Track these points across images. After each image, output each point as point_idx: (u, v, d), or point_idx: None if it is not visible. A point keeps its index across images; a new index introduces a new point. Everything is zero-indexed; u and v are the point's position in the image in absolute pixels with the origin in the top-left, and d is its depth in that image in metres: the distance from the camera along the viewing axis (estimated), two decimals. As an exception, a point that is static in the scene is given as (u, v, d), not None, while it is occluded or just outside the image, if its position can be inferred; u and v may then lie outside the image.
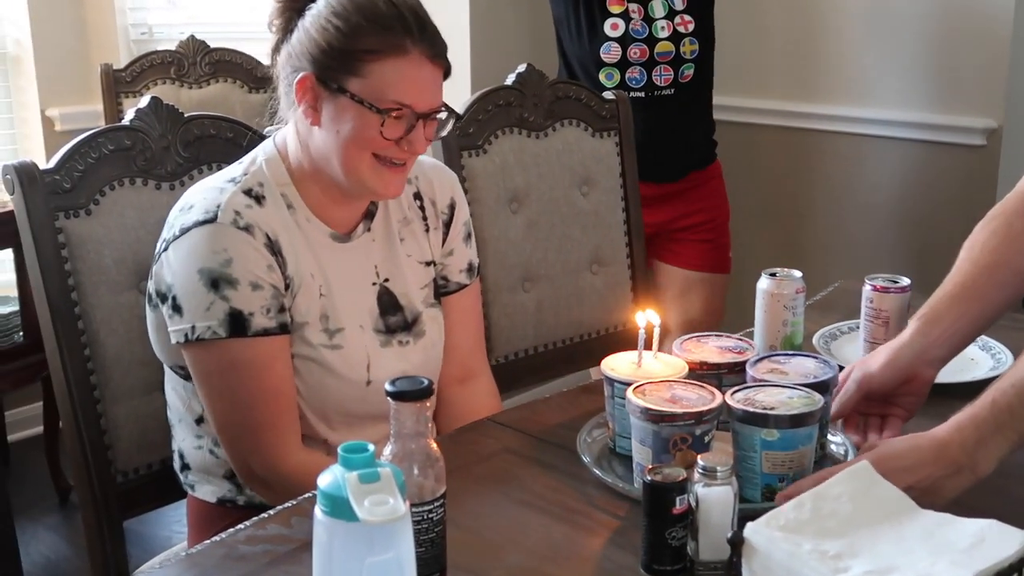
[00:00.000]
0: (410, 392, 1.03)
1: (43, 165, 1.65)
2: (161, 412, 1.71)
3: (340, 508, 0.87)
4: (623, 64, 2.64)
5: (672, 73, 2.65)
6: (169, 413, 1.67)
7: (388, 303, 1.64)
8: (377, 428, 1.53)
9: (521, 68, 2.23)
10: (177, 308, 1.49)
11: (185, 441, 1.64)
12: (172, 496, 1.76)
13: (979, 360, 1.76)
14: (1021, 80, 2.91)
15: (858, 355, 1.61)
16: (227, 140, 1.82)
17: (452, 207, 1.73)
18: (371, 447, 0.91)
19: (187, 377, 1.57)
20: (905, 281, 1.58)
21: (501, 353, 2.20)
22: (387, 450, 1.05)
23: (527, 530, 1.25)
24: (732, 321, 1.98)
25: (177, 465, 1.67)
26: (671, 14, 2.65)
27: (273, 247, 1.52)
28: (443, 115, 1.54)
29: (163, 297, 1.52)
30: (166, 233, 1.53)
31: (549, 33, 2.83)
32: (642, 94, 2.66)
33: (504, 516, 1.29)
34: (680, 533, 1.13)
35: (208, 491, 1.63)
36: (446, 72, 1.53)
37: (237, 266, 1.48)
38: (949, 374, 1.70)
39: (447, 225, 1.72)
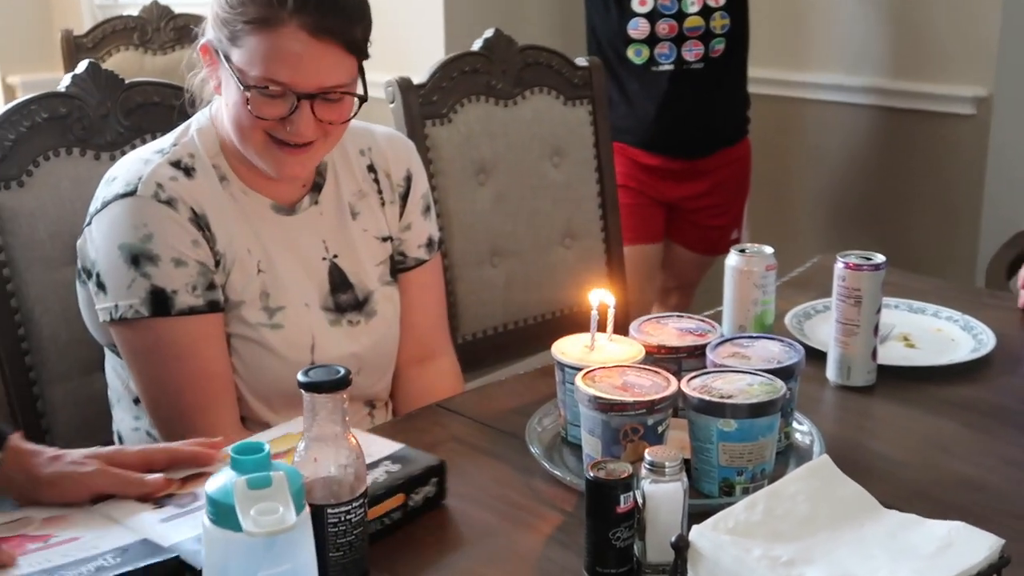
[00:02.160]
0: (324, 383, 0.95)
1: (-28, 135, 1.57)
2: (101, 394, 1.63)
3: (226, 517, 0.78)
4: (652, 40, 2.59)
5: (702, 47, 2.61)
6: (109, 394, 1.60)
7: (339, 280, 1.55)
8: None
9: (488, 33, 2.14)
10: (101, 285, 1.43)
11: (123, 422, 1.57)
12: (115, 481, 1.68)
13: (960, 341, 1.68)
14: (1012, 48, 2.82)
15: (831, 335, 1.53)
16: (172, 108, 1.72)
17: (408, 179, 1.63)
18: (267, 447, 0.82)
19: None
20: (879, 258, 1.49)
21: (468, 331, 2.12)
22: (300, 446, 0.97)
23: (466, 527, 1.17)
24: (705, 298, 1.89)
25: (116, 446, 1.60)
26: None
27: (199, 222, 1.44)
28: (342, 97, 1.41)
29: (88, 273, 1.46)
30: (91, 206, 1.46)
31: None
32: (671, 67, 2.61)
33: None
34: (625, 533, 1.05)
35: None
36: (352, 49, 1.39)
37: (158, 241, 1.40)
38: (929, 356, 1.63)
39: (403, 198, 1.63)
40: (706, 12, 2.59)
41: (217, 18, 1.41)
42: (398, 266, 1.63)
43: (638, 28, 2.59)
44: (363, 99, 1.44)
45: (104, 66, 2.83)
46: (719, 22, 2.60)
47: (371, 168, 1.61)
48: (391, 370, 1.64)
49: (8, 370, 1.57)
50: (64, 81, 1.66)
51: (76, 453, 1.20)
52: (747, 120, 2.80)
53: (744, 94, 2.78)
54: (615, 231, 2.31)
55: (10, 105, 1.60)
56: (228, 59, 1.40)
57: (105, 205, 1.43)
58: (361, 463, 0.98)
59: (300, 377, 0.95)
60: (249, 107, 1.38)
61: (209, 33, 1.44)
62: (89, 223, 1.45)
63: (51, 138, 1.61)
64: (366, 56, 1.44)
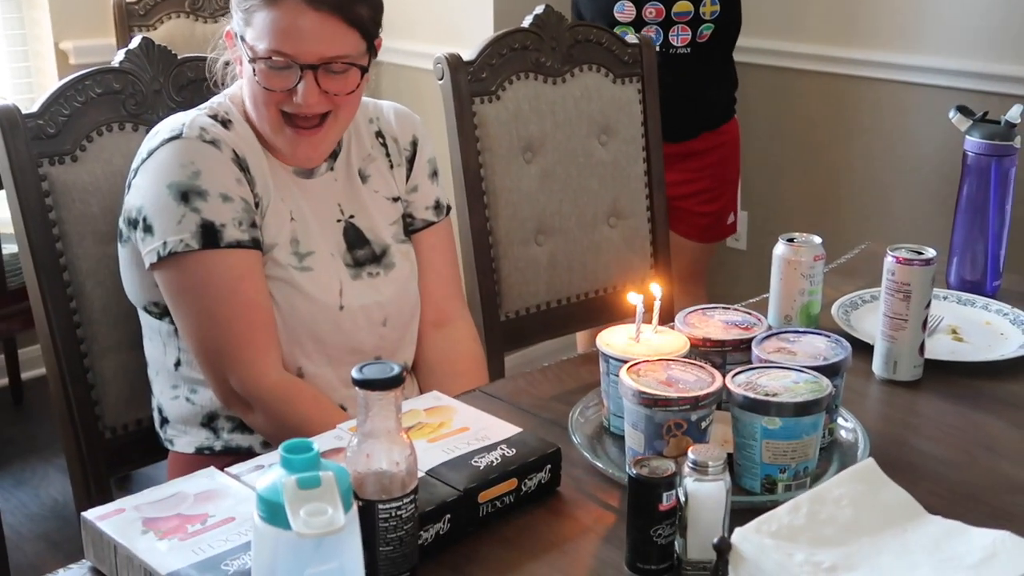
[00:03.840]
0: (377, 380, 0.95)
1: (26, 109, 1.58)
2: (150, 367, 1.66)
3: (276, 515, 0.79)
4: (638, 24, 2.55)
5: (690, 33, 2.57)
6: (149, 369, 1.63)
7: (355, 237, 1.62)
8: (354, 360, 1.48)
9: (539, 9, 2.12)
10: (148, 228, 1.48)
11: (163, 394, 1.61)
12: (162, 452, 1.71)
13: (1010, 335, 1.66)
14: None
15: (878, 328, 1.51)
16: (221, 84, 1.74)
17: (414, 144, 1.70)
18: (315, 446, 0.83)
19: (162, 315, 1.55)
20: (930, 252, 1.47)
21: (511, 308, 2.13)
22: (353, 441, 0.97)
23: (507, 520, 1.17)
24: (752, 286, 1.87)
25: (157, 421, 1.64)
26: None
27: (240, 163, 1.51)
28: (346, 68, 1.49)
29: (134, 223, 1.50)
30: (135, 163, 1.53)
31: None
32: (656, 51, 2.56)
33: (486, 501, 1.21)
34: (667, 531, 1.05)
35: (186, 442, 1.60)
36: (354, 23, 1.47)
37: (206, 177, 1.47)
38: (977, 351, 1.61)
39: (410, 161, 1.69)
40: None
41: (235, 3, 1.51)
42: (408, 227, 1.69)
43: (623, 12, 2.55)
44: (364, 70, 1.51)
45: (154, 34, 2.84)
46: (709, 8, 2.56)
47: (379, 134, 1.68)
48: (415, 329, 1.68)
49: (60, 342, 1.59)
50: (118, 57, 1.67)
51: None
52: (733, 101, 2.76)
53: (731, 76, 2.74)
54: (661, 211, 2.30)
55: (65, 80, 1.61)
56: (243, 39, 1.49)
57: (151, 153, 1.49)
58: (413, 460, 0.99)
59: (354, 374, 0.96)
60: (257, 78, 1.47)
61: (231, 21, 1.54)
62: (135, 176, 1.51)
63: (104, 113, 1.63)
64: (374, 35, 1.52)
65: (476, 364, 1.72)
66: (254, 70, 1.47)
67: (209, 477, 1.14)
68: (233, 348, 1.48)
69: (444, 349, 1.69)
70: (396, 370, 0.96)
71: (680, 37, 2.56)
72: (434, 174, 1.72)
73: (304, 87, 1.46)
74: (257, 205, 1.52)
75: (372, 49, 1.53)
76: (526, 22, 2.12)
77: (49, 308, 1.59)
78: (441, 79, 2.02)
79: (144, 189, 1.48)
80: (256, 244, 1.50)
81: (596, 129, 2.20)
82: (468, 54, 2.04)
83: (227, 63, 1.62)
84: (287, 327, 1.53)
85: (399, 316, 1.64)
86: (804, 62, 3.13)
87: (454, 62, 2.01)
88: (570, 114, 2.16)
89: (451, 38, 3.01)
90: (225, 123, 1.53)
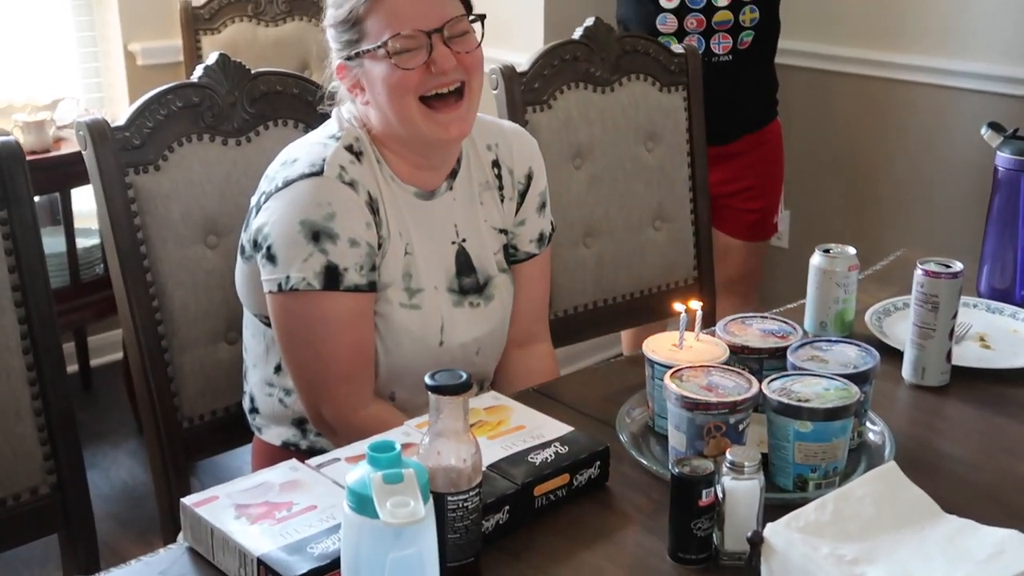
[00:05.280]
0: (450, 386, 1.06)
1: (114, 122, 1.70)
2: (225, 362, 1.78)
3: (365, 506, 0.92)
4: (680, 34, 2.62)
5: (731, 40, 2.63)
6: (245, 355, 1.72)
7: (464, 263, 1.67)
8: None
9: (589, 21, 2.22)
10: (271, 257, 1.53)
11: (257, 387, 1.70)
12: (235, 441, 1.83)
13: (1036, 342, 1.74)
14: None
15: (908, 336, 1.60)
16: (293, 96, 1.85)
17: (529, 177, 1.74)
18: (398, 446, 0.95)
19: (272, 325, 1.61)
20: (958, 266, 1.56)
21: (560, 307, 2.23)
22: (425, 440, 1.09)
23: (560, 511, 1.28)
24: (790, 290, 1.96)
25: (247, 406, 1.74)
26: None
27: (372, 205, 1.56)
28: (463, 22, 1.54)
29: (257, 246, 1.56)
30: (266, 186, 1.57)
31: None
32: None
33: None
34: (706, 524, 1.16)
35: (274, 434, 1.70)
36: None
37: (339, 221, 1.51)
38: (1004, 357, 1.68)
39: (522, 195, 1.74)
40: (736, 6, 2.59)
41: (335, 34, 1.57)
42: (510, 258, 1.75)
43: (666, 23, 2.61)
44: (481, 17, 1.58)
45: (218, 37, 2.96)
46: (748, 16, 2.61)
47: (495, 163, 1.71)
48: (501, 353, 1.76)
49: (143, 337, 1.70)
50: (196, 72, 1.79)
51: None
52: (775, 103, 2.82)
53: (771, 79, 2.80)
54: (704, 214, 2.39)
55: (148, 95, 1.73)
56: (361, 55, 1.53)
57: (288, 184, 1.53)
58: (478, 457, 1.10)
59: (427, 380, 1.07)
60: (394, 61, 1.50)
61: (336, 53, 1.58)
62: (266, 201, 1.55)
63: (184, 125, 1.73)
64: (469, 3, 1.59)
65: None
66: (388, 58, 1.50)
67: (292, 468, 1.26)
68: (331, 383, 1.56)
69: (524, 367, 1.76)
70: (464, 377, 1.08)
71: (722, 45, 2.63)
72: (543, 206, 1.76)
73: (438, 52, 1.50)
74: (381, 246, 1.56)
75: (473, 16, 1.58)
76: (576, 34, 2.21)
77: (133, 306, 1.70)
78: (495, 89, 2.12)
79: (276, 217, 1.52)
80: (372, 287, 1.55)
81: (643, 136, 2.29)
82: (521, 64, 2.14)
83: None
84: (388, 361, 1.60)
85: (491, 347, 1.71)
86: (843, 65, 3.18)
87: (508, 73, 2.11)
88: (618, 121, 2.25)
89: (503, 41, 3.10)
90: (358, 155, 1.56)
